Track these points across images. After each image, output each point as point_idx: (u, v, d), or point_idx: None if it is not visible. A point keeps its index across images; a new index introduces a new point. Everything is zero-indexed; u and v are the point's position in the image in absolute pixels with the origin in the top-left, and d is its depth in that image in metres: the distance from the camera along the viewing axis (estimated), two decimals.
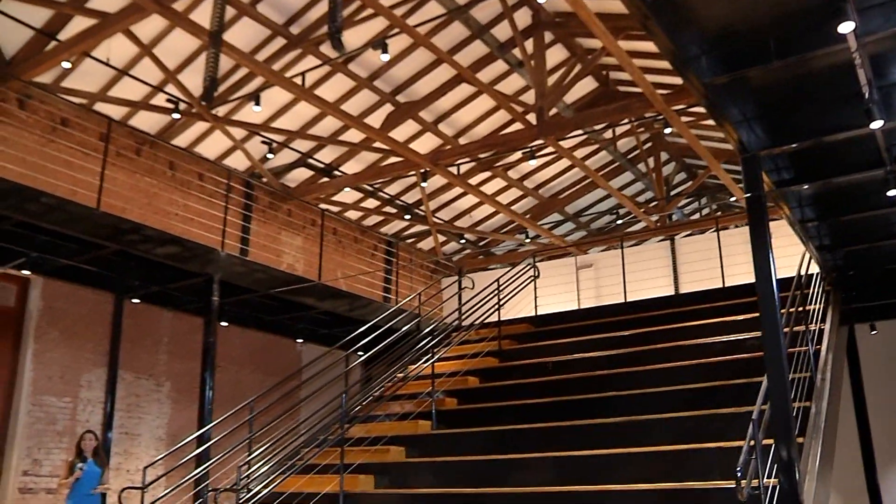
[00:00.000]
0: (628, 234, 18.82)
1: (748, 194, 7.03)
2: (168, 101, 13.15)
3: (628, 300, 14.82)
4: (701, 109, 14.18)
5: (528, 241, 19.66)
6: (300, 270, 16.20)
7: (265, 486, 10.13)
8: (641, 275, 16.06)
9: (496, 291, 14.50)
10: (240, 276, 13.13)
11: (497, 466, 9.61)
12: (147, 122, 13.90)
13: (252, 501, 9.82)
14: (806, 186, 8.18)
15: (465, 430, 10.93)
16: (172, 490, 10.92)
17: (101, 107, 13.14)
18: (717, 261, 14.82)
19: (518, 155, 16.54)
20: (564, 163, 18.28)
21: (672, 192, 19.75)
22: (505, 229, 20.61)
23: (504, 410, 11.11)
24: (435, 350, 12.71)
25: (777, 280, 6.72)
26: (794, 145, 7.20)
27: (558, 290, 16.95)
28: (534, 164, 16.60)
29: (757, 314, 7.45)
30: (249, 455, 10.56)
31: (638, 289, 15.42)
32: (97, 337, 13.09)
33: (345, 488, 9.99)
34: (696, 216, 21.50)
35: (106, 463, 10.52)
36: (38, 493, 11.89)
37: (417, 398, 11.94)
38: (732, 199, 18.30)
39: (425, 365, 12.50)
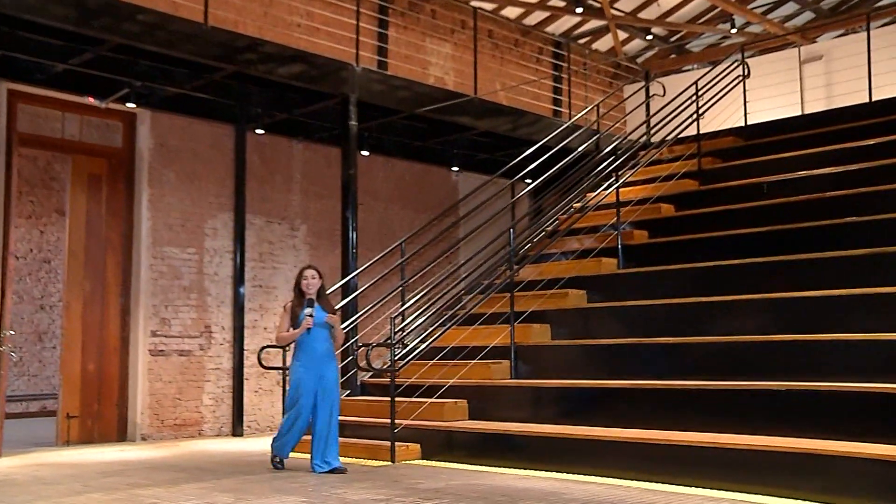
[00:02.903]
0: (877, 11, 17.41)
1: None
2: None
3: (874, 99, 13.84)
4: None
5: (734, 31, 18.84)
6: (451, 84, 16.09)
7: (422, 341, 10.32)
8: (895, 64, 14.89)
9: (694, 98, 14.04)
10: (380, 94, 13.11)
11: (699, 311, 9.54)
12: None
13: (408, 357, 10.02)
14: None
15: (658, 269, 10.93)
16: None
17: None
18: None
19: None
20: None
21: None
22: (703, 19, 19.73)
23: (707, 243, 10.98)
24: (619, 173, 12.56)
25: None
26: None
27: (775, 91, 16.26)
28: None
29: None
30: (403, 305, 10.78)
31: (888, 83, 14.28)
32: (219, 177, 13.40)
33: (516, 340, 10.17)
34: None
35: (335, 309, 9.22)
36: (170, 355, 12.56)
37: (599, 232, 11.92)
38: None
39: (608, 192, 12.40)
